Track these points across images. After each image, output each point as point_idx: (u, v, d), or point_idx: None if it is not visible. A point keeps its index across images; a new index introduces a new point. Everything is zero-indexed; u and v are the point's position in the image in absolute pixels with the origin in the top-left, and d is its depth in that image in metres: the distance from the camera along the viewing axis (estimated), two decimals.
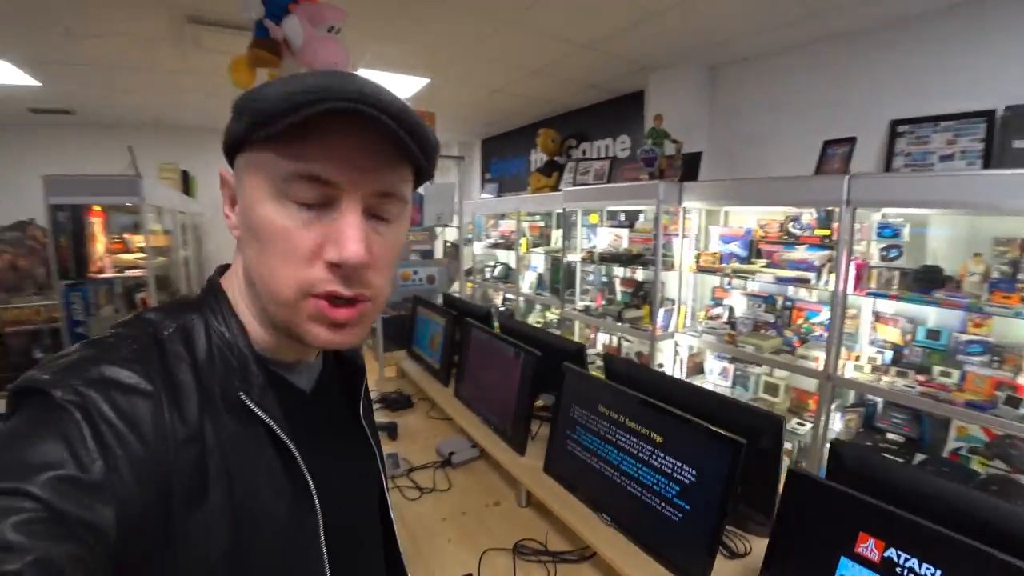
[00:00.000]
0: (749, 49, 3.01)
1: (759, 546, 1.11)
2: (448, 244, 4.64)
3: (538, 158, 4.84)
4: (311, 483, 0.50)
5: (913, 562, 0.71)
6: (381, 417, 2.07)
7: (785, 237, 2.64)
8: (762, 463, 1.07)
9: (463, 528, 1.38)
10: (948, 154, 2.34)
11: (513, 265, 4.74)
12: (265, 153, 0.44)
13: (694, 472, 1.00)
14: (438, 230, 3.65)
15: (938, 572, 0.69)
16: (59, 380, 0.39)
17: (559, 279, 3.94)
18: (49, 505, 0.34)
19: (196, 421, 0.44)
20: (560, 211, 3.85)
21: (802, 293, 2.66)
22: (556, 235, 4.28)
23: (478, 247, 5.43)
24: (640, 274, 3.34)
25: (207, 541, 0.43)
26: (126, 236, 3.68)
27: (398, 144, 0.45)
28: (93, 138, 4.99)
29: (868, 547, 0.76)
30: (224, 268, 0.56)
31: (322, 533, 0.50)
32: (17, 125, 4.74)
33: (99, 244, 3.29)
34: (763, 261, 2.68)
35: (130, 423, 0.40)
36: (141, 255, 3.37)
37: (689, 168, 2.94)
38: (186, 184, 4.65)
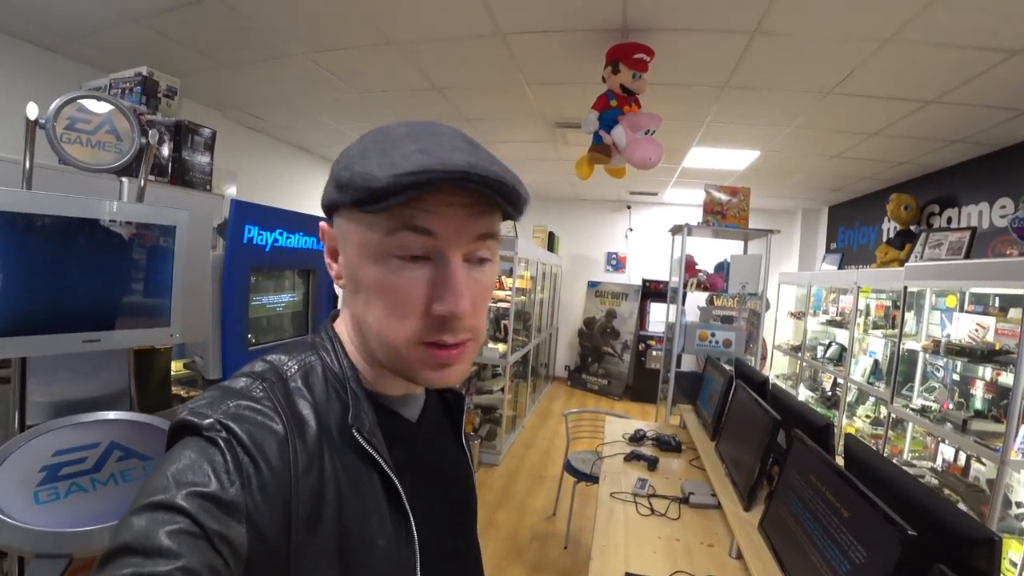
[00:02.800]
0: None
1: None
2: (750, 312, 4.50)
3: (891, 227, 4.20)
4: (412, 519, 0.52)
5: None
6: (647, 451, 2.38)
7: None
8: None
9: (670, 549, 1.59)
10: None
11: (847, 346, 4.20)
12: (369, 215, 0.47)
13: (864, 553, 1.01)
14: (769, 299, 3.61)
15: None
16: (205, 415, 0.45)
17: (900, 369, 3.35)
18: (195, 519, 0.39)
19: (316, 452, 0.48)
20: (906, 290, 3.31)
21: None
22: (907, 317, 3.63)
23: (813, 322, 5.00)
24: (1011, 377, 2.58)
25: (320, 563, 0.46)
26: (502, 277, 5.07)
27: (495, 205, 0.48)
28: None
29: None
30: (337, 314, 0.61)
31: (418, 568, 0.52)
32: None
33: None
34: None
35: (261, 452, 0.44)
36: (509, 292, 4.61)
37: None
38: (551, 241, 5.99)
